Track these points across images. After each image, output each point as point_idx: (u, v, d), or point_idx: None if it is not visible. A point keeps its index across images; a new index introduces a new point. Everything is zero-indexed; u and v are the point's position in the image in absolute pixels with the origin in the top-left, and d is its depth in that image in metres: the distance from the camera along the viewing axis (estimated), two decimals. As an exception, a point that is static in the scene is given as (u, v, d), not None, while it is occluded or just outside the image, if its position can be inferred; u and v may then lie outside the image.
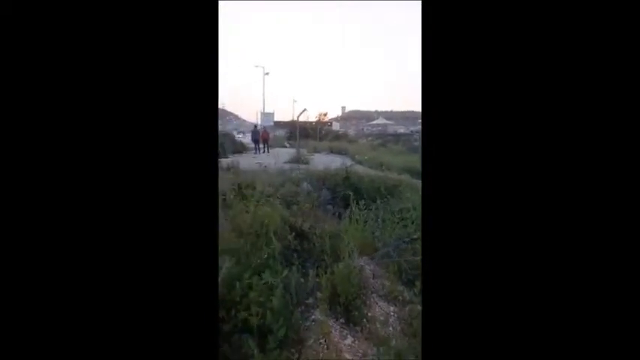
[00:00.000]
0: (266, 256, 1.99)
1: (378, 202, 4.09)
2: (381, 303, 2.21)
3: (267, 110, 23.00)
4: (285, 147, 17.14)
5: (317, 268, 2.25)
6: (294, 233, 2.46)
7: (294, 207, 3.46)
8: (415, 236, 2.93)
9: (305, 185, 5.47)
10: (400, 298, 2.28)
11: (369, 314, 2.05)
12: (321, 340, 1.71)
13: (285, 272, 1.83)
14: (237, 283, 1.68)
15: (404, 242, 2.92)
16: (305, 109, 16.04)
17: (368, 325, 1.96)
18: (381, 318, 2.03)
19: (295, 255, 2.41)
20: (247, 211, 2.75)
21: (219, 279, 1.50)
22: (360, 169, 7.95)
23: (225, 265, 1.55)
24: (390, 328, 1.96)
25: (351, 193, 3.93)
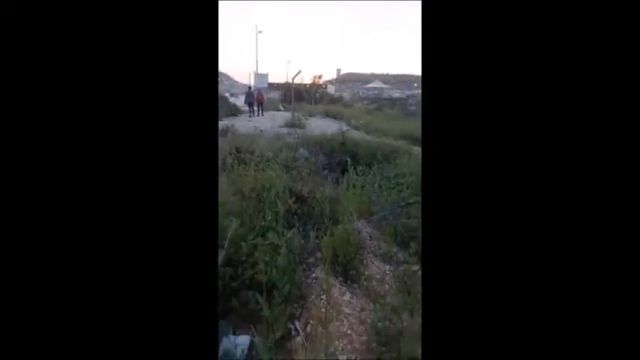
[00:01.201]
0: (270, 218, 2.06)
1: (375, 167, 4.15)
2: (377, 262, 2.33)
3: (260, 71, 22.28)
4: (280, 110, 16.79)
5: (317, 230, 2.34)
6: (294, 197, 2.53)
7: (293, 172, 3.50)
8: (410, 200, 3.03)
9: (302, 151, 5.48)
10: (395, 258, 2.40)
11: (366, 273, 2.17)
12: (322, 296, 1.83)
13: (289, 234, 1.91)
14: (243, 244, 1.76)
15: (399, 206, 3.01)
16: (300, 71, 15.50)
17: (365, 283, 2.08)
18: (377, 276, 2.16)
19: (296, 218, 2.49)
20: (247, 175, 2.79)
21: (227, 239, 1.57)
22: (356, 134, 7.92)
23: (233, 225, 1.61)
24: (386, 286, 2.08)
25: (348, 159, 3.97)
